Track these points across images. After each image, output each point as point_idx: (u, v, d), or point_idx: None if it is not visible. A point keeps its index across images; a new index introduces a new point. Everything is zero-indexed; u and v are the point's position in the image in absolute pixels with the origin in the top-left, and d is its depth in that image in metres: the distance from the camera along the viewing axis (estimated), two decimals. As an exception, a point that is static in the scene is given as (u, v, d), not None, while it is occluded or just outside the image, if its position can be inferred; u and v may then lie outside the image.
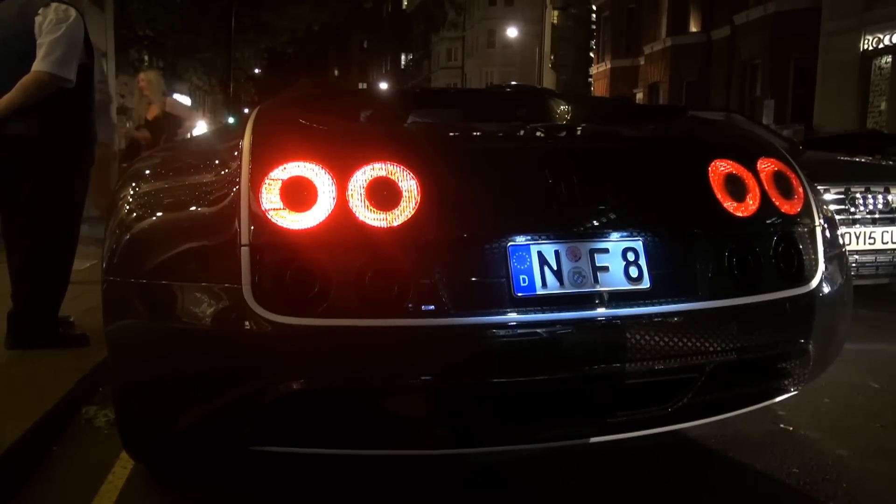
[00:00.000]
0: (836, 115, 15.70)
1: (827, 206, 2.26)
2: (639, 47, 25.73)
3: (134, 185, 2.04)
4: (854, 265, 4.03)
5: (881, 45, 15.02)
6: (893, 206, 4.15)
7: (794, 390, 2.03)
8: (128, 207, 1.93)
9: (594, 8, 30.39)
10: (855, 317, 2.24)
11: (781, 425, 2.58)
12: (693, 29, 22.83)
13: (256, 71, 27.74)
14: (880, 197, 4.16)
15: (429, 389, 1.72)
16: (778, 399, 2.04)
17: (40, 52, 2.87)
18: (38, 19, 2.91)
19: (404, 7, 55.94)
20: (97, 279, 1.89)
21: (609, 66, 28.25)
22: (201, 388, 1.71)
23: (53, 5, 2.95)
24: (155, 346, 1.76)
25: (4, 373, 2.80)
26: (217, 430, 1.77)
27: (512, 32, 40.88)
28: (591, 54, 31.28)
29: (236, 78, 17.20)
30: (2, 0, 3.07)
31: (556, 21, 35.83)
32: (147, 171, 2.14)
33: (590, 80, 31.30)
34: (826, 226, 2.07)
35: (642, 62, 25.53)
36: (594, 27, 30.68)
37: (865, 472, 2.23)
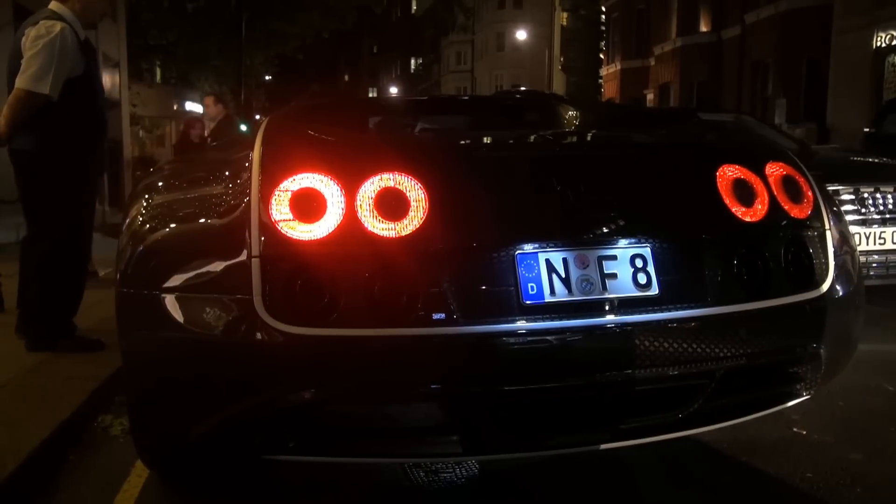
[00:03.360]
0: (849, 112, 15.57)
1: (837, 208, 2.25)
2: (649, 48, 25.64)
3: (146, 196, 2.06)
4: (864, 265, 4.01)
5: (894, 42, 14.88)
6: None
7: (807, 395, 2.01)
8: (140, 219, 1.96)
9: (603, 9, 30.30)
10: (869, 317, 2.23)
11: (795, 429, 2.57)
12: (703, 29, 22.72)
13: (267, 78, 27.87)
14: (890, 197, 4.16)
15: (439, 398, 1.72)
16: (790, 404, 2.03)
17: (20, 70, 3.01)
18: (23, 39, 3.05)
19: (413, 11, 56.08)
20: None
21: (619, 67, 28.17)
22: (214, 398, 1.73)
23: (41, 22, 3.08)
24: (168, 357, 1.78)
25: (22, 382, 2.84)
26: (230, 439, 1.79)
27: (521, 35, 40.82)
28: (601, 56, 31.16)
29: (247, 85, 17.29)
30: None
31: (565, 23, 35.74)
32: (159, 183, 2.17)
33: (600, 81, 31.19)
34: (836, 229, 2.05)
35: (652, 63, 25.44)
36: (604, 28, 30.57)
37: (880, 477, 2.21)
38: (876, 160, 4.98)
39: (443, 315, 1.62)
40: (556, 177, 1.80)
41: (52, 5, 3.19)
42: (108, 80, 12.08)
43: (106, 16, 3.45)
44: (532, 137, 2.21)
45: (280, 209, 1.66)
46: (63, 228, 3.16)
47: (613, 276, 1.72)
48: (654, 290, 1.73)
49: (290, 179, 1.69)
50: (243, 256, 1.64)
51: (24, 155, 3.10)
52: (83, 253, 3.31)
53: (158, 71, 21.71)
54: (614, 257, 1.74)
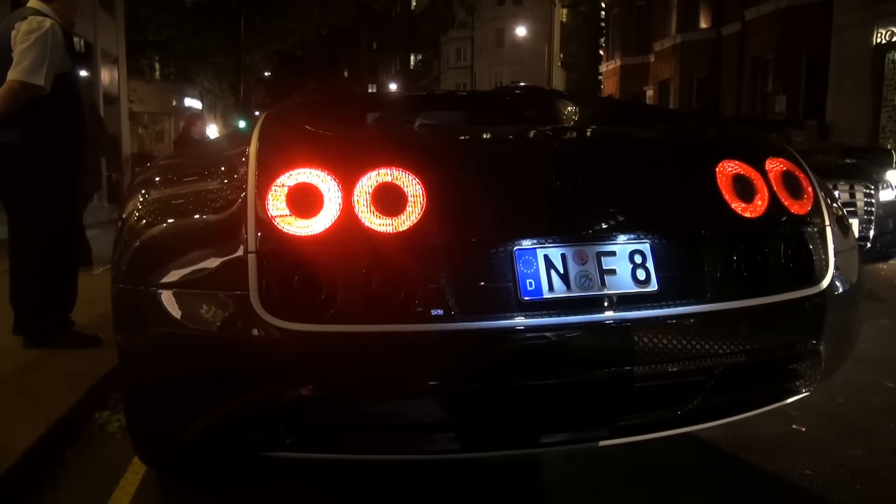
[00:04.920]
0: (850, 109, 15.54)
1: (838, 204, 2.23)
2: (648, 44, 25.59)
3: (142, 192, 2.05)
4: None
5: (894, 39, 14.85)
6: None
7: (807, 391, 2.01)
8: (136, 215, 1.94)
9: (603, 5, 30.23)
10: (869, 314, 2.22)
11: (794, 426, 2.56)
12: (703, 25, 22.67)
13: (266, 74, 27.83)
14: (847, 193, 4.58)
15: (437, 394, 1.71)
16: (790, 400, 2.02)
17: (13, 63, 3.01)
18: (13, 33, 3.05)
19: (413, 8, 55.93)
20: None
21: (619, 63, 28.12)
22: (210, 395, 1.72)
23: (29, 18, 3.08)
24: (164, 353, 1.77)
25: (19, 379, 2.83)
26: (227, 436, 1.78)
27: (521, 31, 40.77)
28: (601, 52, 31.09)
29: (246, 81, 17.27)
30: None
31: (565, 19, 35.64)
32: (155, 179, 2.16)
33: (600, 78, 31.12)
34: (836, 225, 2.04)
35: (652, 59, 25.38)
36: (603, 25, 30.50)
37: (880, 474, 2.21)
38: (843, 161, 5.49)
39: (440, 311, 1.61)
40: (554, 172, 1.79)
41: (35, 4, 3.18)
42: (108, 76, 12.06)
43: (83, 15, 3.47)
44: (531, 133, 2.20)
45: (277, 204, 1.65)
46: (48, 225, 3.14)
47: (612, 272, 1.71)
48: (653, 287, 1.72)
49: (287, 174, 1.68)
50: (240, 252, 1.63)
51: (9, 149, 3.08)
52: (74, 248, 3.30)
53: (157, 67, 21.67)
54: (613, 253, 1.73)
